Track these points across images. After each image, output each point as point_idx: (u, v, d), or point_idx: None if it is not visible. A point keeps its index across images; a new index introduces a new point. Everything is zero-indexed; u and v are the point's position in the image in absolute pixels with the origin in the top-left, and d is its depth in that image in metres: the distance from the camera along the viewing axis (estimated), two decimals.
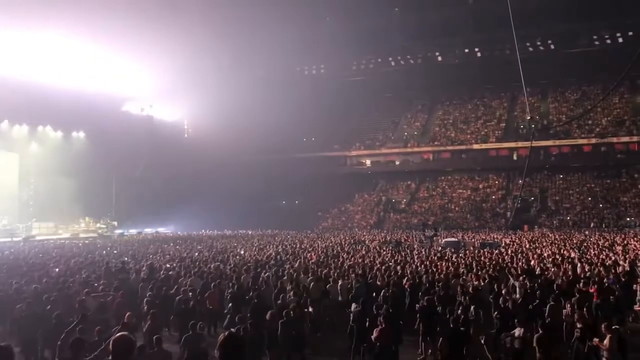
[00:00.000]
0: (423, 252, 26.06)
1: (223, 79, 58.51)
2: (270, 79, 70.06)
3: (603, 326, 9.39)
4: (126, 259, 23.10)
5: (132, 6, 47.33)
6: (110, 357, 4.36)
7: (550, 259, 20.85)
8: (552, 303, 11.85)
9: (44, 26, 41.30)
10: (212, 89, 55.86)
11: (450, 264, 19.73)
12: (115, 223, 52.52)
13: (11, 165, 51.25)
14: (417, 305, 12.30)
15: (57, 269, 18.93)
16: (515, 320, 10.62)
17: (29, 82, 41.54)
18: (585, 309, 10.80)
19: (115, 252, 28.32)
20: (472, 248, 29.09)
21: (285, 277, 16.29)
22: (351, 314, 12.35)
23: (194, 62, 54.63)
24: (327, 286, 14.89)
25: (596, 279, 15.09)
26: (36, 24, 40.49)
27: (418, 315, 11.73)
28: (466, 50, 72.79)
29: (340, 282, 14.95)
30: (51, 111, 43.51)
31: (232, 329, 9.07)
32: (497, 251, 25.75)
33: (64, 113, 43.91)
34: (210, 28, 54.60)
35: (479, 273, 16.74)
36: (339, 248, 29.48)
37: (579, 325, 9.60)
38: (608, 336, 9.07)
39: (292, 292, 13.72)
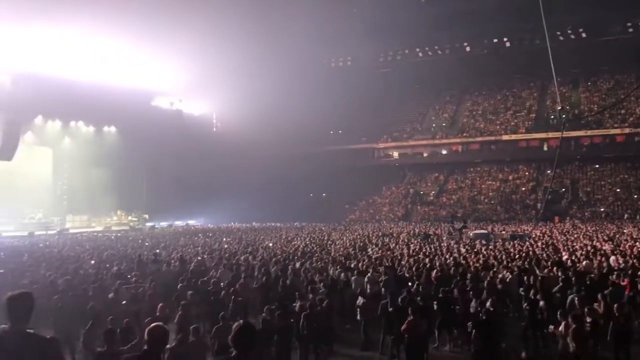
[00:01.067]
0: (452, 245, 25.90)
1: (250, 72, 58.66)
2: (297, 72, 70.04)
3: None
4: (158, 250, 23.47)
5: (161, 1, 47.83)
6: (145, 347, 4.47)
7: (582, 251, 20.49)
8: (574, 295, 11.68)
9: (76, 23, 41.92)
10: (240, 82, 56.02)
11: (480, 256, 19.58)
12: (147, 216, 53.41)
13: (45, 160, 52.60)
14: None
15: (92, 261, 19.36)
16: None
17: (61, 79, 42.32)
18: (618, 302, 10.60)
19: (146, 244, 28.79)
20: (501, 240, 28.77)
21: (313, 269, 16.36)
22: (358, 308, 12.38)
23: (221, 55, 54.77)
24: (353, 278, 14.91)
25: (629, 271, 14.78)
26: (68, 20, 41.11)
27: (436, 307, 11.68)
28: (495, 40, 71.63)
29: (368, 274, 14.95)
30: (83, 106, 44.18)
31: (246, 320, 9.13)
32: (527, 243, 25.44)
33: (95, 108, 44.59)
34: (237, 21, 54.81)
35: (509, 265, 16.58)
36: (366, 240, 29.46)
37: (588, 320, 9.44)
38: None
39: (321, 284, 13.78)
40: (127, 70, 50.01)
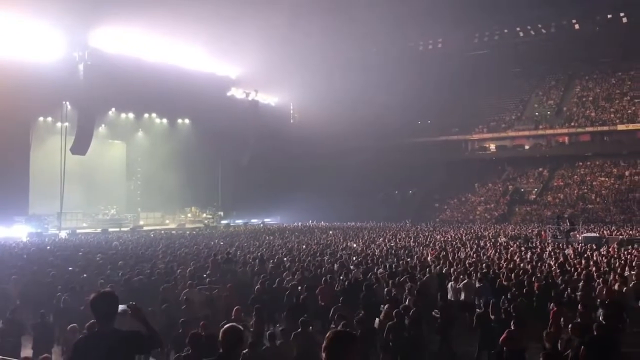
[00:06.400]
0: (557, 250, 25.07)
1: (330, 59, 58.92)
2: (381, 57, 69.57)
3: None
4: (232, 250, 24.10)
5: None
6: (220, 350, 4.62)
7: None
8: None
9: (147, 15, 43.44)
10: (318, 70, 56.42)
11: (590, 263, 18.81)
12: (222, 213, 54.83)
13: (119, 154, 55.46)
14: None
15: (165, 260, 20.16)
16: None
17: (134, 70, 43.99)
18: None
19: (221, 243, 29.65)
20: (616, 245, 27.56)
21: (399, 274, 16.26)
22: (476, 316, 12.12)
23: (299, 40, 55.31)
24: (448, 285, 14.74)
25: None
26: (139, 12, 42.65)
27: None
28: (609, 16, 68.27)
29: (464, 281, 14.73)
30: (156, 98, 45.67)
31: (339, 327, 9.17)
32: None
33: (168, 100, 46.03)
34: (316, 3, 55.08)
35: (625, 274, 15.82)
36: (459, 243, 29.00)
37: None
38: None
39: (407, 291, 13.69)
40: (200, 60, 51.48)
